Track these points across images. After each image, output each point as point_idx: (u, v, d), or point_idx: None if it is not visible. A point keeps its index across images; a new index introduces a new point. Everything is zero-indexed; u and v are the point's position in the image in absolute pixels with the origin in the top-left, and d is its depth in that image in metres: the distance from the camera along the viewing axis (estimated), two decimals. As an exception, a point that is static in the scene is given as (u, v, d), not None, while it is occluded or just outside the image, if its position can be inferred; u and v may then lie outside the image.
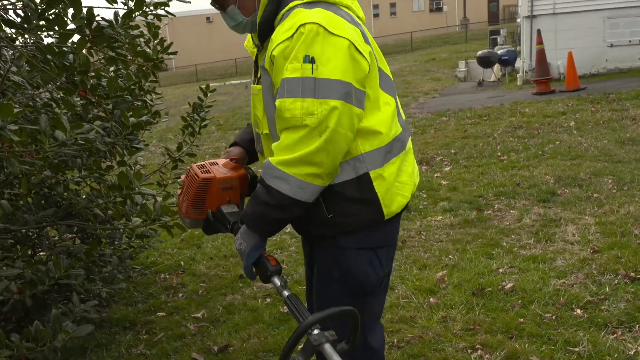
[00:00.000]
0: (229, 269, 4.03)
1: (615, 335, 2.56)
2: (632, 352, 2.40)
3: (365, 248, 1.67)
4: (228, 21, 1.71)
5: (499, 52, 14.02)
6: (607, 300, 2.88)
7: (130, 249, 3.55)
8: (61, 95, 2.39)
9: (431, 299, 3.14)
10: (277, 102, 1.49)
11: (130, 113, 2.42)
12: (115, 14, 2.27)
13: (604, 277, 3.15)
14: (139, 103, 3.40)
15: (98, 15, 2.10)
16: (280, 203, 1.52)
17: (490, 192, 5.01)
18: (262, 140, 1.73)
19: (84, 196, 2.50)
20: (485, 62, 13.78)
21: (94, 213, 2.41)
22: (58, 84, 2.38)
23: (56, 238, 2.92)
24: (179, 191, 1.85)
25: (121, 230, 2.82)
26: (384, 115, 1.61)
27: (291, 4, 1.55)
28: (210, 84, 3.73)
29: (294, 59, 1.47)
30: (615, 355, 2.39)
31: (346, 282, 1.71)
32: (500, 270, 3.40)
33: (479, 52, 14.29)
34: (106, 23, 2.16)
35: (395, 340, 2.75)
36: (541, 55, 10.99)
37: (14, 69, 2.44)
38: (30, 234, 2.90)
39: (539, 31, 11.39)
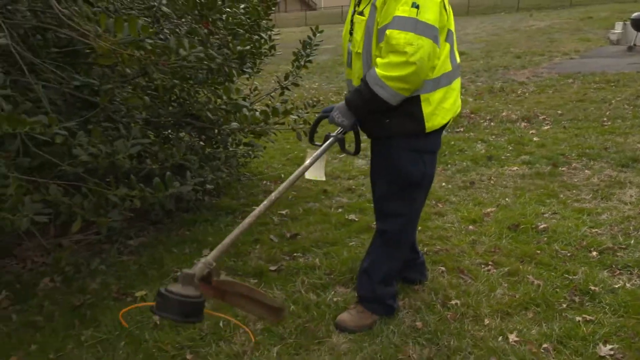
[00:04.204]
0: (317, 184, 4.82)
1: (612, 273, 2.94)
2: (616, 286, 2.79)
3: (410, 150, 2.35)
4: None
5: (658, 14, 12.84)
6: (626, 250, 3.21)
7: (239, 149, 4.46)
8: (193, 25, 3.21)
9: (470, 227, 3.66)
10: (387, 32, 2.06)
11: (237, 42, 3.19)
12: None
13: (637, 233, 3.43)
14: (256, 37, 4.19)
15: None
16: (376, 101, 2.16)
17: (575, 152, 5.20)
18: (353, 57, 2.37)
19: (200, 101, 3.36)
20: (640, 25, 12.74)
21: (207, 116, 3.26)
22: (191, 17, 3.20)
23: (183, 135, 3.87)
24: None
25: (227, 132, 3.65)
26: (440, 58, 2.20)
27: None
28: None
29: (404, 3, 2.05)
30: (601, 286, 2.80)
31: (393, 175, 2.42)
32: (545, 215, 3.79)
33: (635, 14, 13.21)
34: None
35: (425, 249, 3.35)
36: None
37: (164, 1, 3.31)
38: (166, 132, 3.89)
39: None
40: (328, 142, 2.36)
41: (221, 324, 2.62)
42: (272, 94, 4.73)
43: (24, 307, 2.88)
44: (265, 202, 2.38)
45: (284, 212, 4.18)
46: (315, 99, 4.38)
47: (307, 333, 2.52)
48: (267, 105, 4.27)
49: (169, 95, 3.30)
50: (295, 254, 3.40)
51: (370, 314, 2.60)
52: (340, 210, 4.16)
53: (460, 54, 11.28)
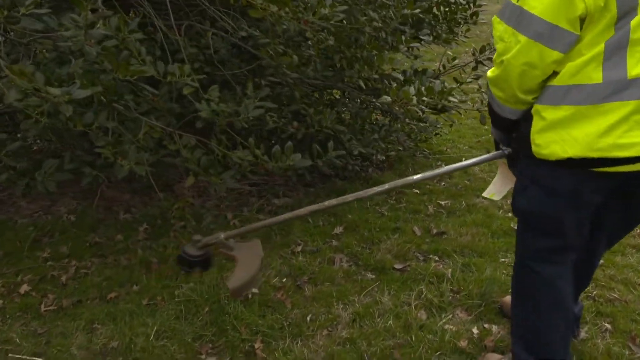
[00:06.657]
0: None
1: None
2: None
3: (522, 174, 1.82)
4: None
5: None
6: None
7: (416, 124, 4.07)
8: None
9: (674, 278, 2.74)
10: (493, 17, 1.64)
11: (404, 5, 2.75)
12: None
13: None
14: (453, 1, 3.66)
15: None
16: (491, 110, 1.83)
17: None
18: None
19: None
20: None
21: (360, 85, 2.93)
22: None
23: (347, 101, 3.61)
24: None
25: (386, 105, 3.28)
26: (576, 60, 1.52)
27: None
28: None
29: None
30: None
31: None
32: None
33: None
34: None
35: (594, 292, 2.60)
36: None
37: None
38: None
39: None
40: (492, 153, 2.03)
41: (308, 319, 2.37)
42: (464, 67, 4.15)
43: (153, 244, 3.00)
44: (322, 204, 2.08)
45: (443, 202, 3.68)
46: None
47: (390, 361, 2.13)
48: (455, 79, 3.76)
49: (326, 58, 3.03)
50: (430, 256, 2.95)
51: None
52: (509, 215, 3.50)
53: None
